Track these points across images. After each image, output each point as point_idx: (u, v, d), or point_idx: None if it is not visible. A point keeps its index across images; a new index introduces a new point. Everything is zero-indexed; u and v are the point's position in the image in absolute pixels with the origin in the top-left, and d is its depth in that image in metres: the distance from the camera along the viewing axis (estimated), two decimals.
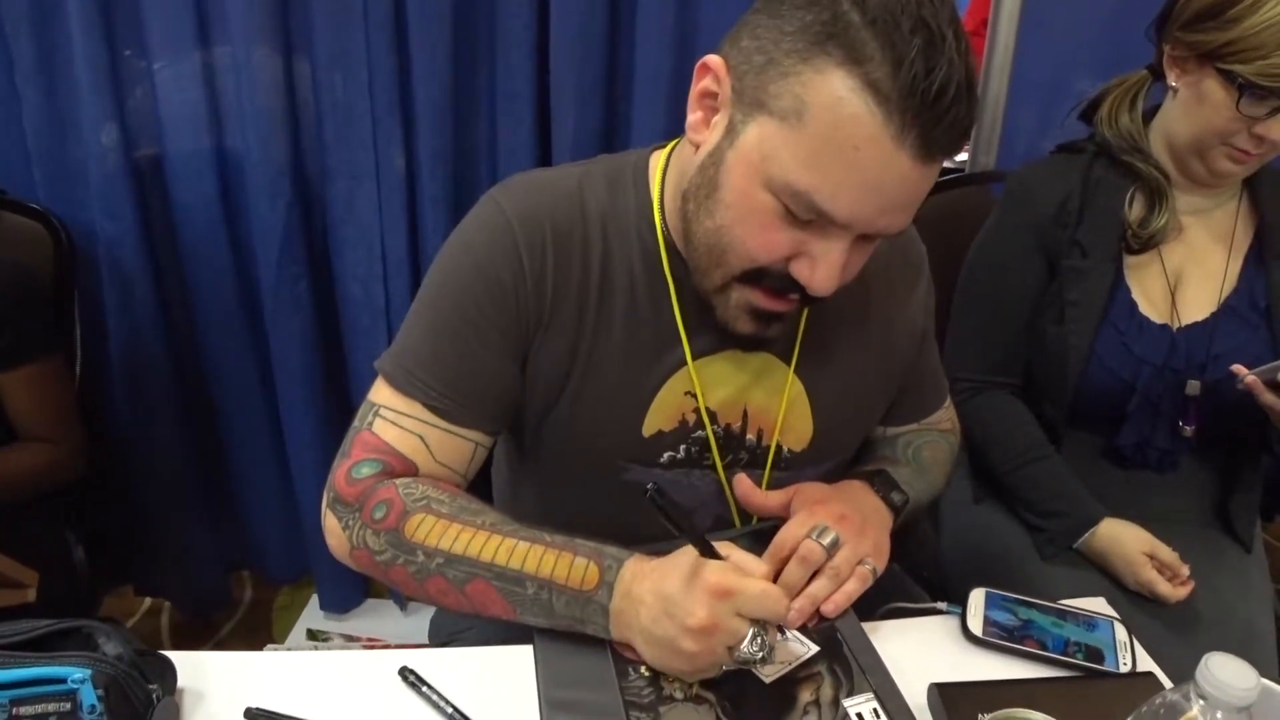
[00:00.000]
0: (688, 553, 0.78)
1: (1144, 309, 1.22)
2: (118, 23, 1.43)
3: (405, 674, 0.81)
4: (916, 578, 1.12)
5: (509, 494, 1.10)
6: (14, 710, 0.67)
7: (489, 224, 0.89)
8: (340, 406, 1.70)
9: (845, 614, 0.86)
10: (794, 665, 0.82)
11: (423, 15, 1.42)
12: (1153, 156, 1.22)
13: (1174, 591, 1.14)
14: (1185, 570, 1.16)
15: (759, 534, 0.95)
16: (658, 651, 0.77)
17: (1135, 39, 1.26)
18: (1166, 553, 1.16)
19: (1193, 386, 1.20)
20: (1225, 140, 1.12)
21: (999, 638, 0.88)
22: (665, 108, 1.49)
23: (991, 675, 0.84)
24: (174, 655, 0.79)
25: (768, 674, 0.81)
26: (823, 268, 0.77)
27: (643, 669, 0.80)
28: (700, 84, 0.81)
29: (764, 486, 0.98)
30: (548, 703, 0.78)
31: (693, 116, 0.82)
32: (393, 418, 0.90)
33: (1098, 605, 0.95)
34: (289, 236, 1.54)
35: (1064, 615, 0.92)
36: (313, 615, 1.92)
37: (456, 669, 0.83)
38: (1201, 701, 0.58)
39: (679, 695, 0.78)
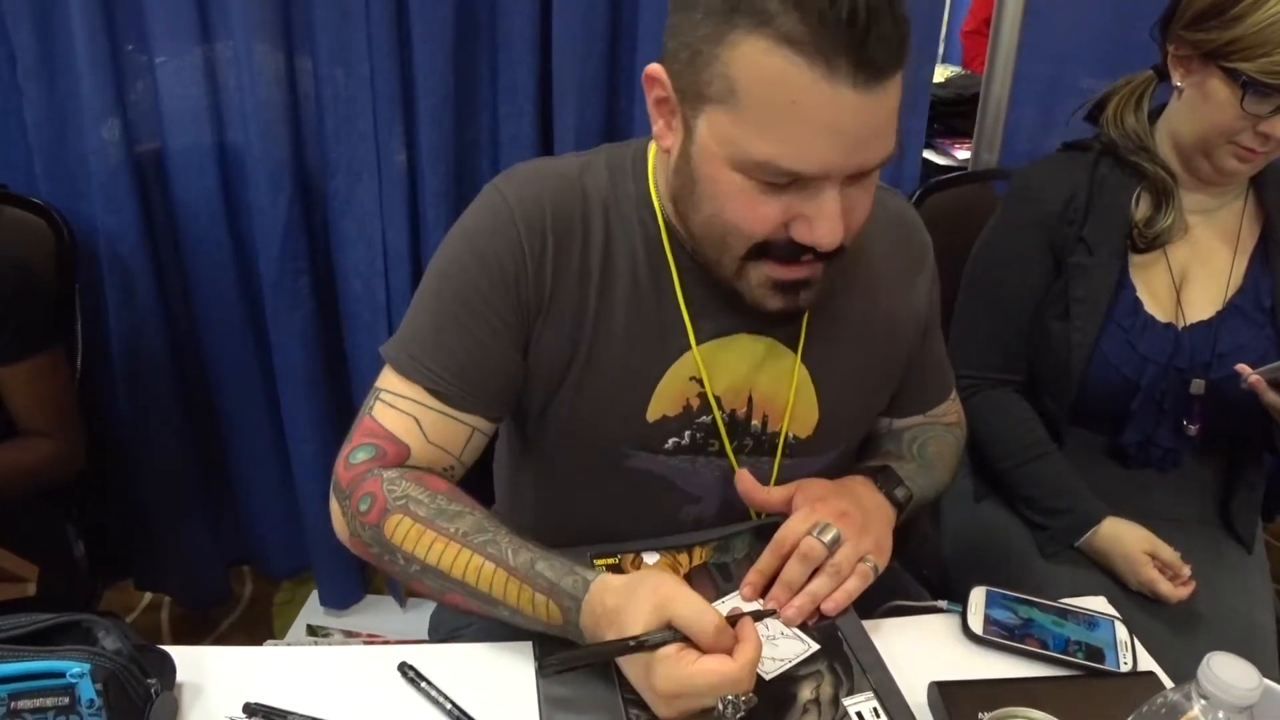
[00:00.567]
0: (643, 601, 0.74)
1: (1149, 307, 1.22)
2: (119, 17, 1.43)
3: (404, 670, 0.81)
4: (917, 576, 1.12)
5: (509, 485, 1.10)
6: (13, 704, 0.67)
7: (491, 210, 0.90)
8: (341, 401, 1.70)
9: (846, 612, 0.86)
10: (794, 663, 0.82)
11: (424, 10, 1.41)
12: (1159, 156, 1.22)
13: (1175, 591, 1.14)
14: (1186, 570, 1.16)
15: (761, 530, 0.94)
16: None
17: (1137, 37, 1.26)
18: (1168, 552, 1.16)
19: (1197, 385, 1.20)
20: (1231, 139, 1.13)
21: (1000, 636, 0.88)
22: None
23: (992, 674, 0.84)
24: (173, 650, 0.79)
25: (768, 671, 0.81)
26: (820, 224, 0.77)
27: None
28: (651, 94, 0.83)
29: (774, 473, 0.98)
30: (547, 700, 0.78)
31: (655, 126, 0.85)
32: (391, 400, 0.90)
33: (1099, 604, 0.95)
34: (290, 231, 1.54)
35: (1065, 614, 0.91)
36: (313, 611, 1.92)
37: (456, 665, 0.83)
38: (1203, 701, 0.58)
39: None
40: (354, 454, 0.89)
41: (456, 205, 1.54)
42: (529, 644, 0.84)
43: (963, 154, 2.22)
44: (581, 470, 0.98)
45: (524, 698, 0.80)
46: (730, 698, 0.71)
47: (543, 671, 0.78)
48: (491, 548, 0.81)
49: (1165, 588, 1.14)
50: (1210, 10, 1.10)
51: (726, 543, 0.95)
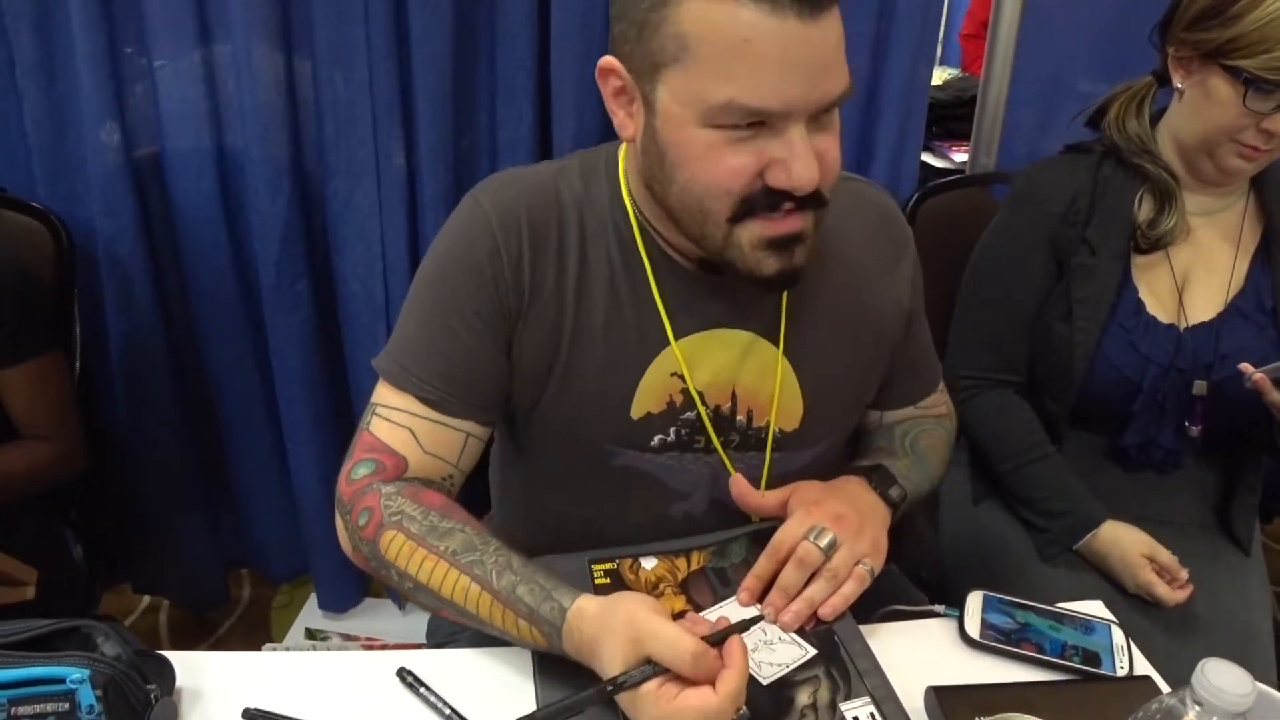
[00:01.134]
0: (621, 629, 0.73)
1: (1151, 309, 1.22)
2: (118, 20, 1.43)
3: (403, 675, 0.82)
4: (914, 579, 1.13)
5: (501, 488, 1.12)
6: (12, 710, 0.67)
7: (468, 219, 0.92)
8: (340, 404, 1.71)
9: (843, 616, 0.86)
10: (791, 668, 0.82)
11: (423, 13, 1.42)
12: (1161, 158, 1.22)
13: (1173, 595, 1.15)
14: (1184, 574, 1.16)
15: (756, 535, 0.95)
16: None
17: (1134, 40, 1.26)
18: (1166, 556, 1.16)
19: (1199, 386, 1.21)
20: (1234, 137, 1.13)
21: (996, 641, 0.88)
22: None
23: (989, 678, 0.85)
24: (172, 655, 0.79)
25: (765, 676, 0.81)
26: (794, 164, 0.77)
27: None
28: (607, 87, 0.85)
29: (765, 468, 0.98)
30: (545, 704, 0.78)
31: (616, 119, 0.86)
32: (386, 414, 0.92)
33: (1095, 609, 0.95)
34: (289, 234, 1.54)
35: (1061, 618, 0.92)
36: (311, 614, 1.92)
37: (454, 670, 0.83)
38: (1198, 707, 0.58)
39: None
40: (355, 469, 0.91)
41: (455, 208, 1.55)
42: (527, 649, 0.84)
43: (960, 157, 2.22)
44: (571, 470, 0.99)
45: (522, 702, 0.80)
46: None
47: None
48: (478, 569, 0.81)
49: (1163, 591, 1.15)
50: (1209, 10, 1.10)
51: (724, 547, 0.95)
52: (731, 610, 0.87)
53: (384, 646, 1.80)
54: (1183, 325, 1.22)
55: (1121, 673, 0.86)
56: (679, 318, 0.93)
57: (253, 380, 1.70)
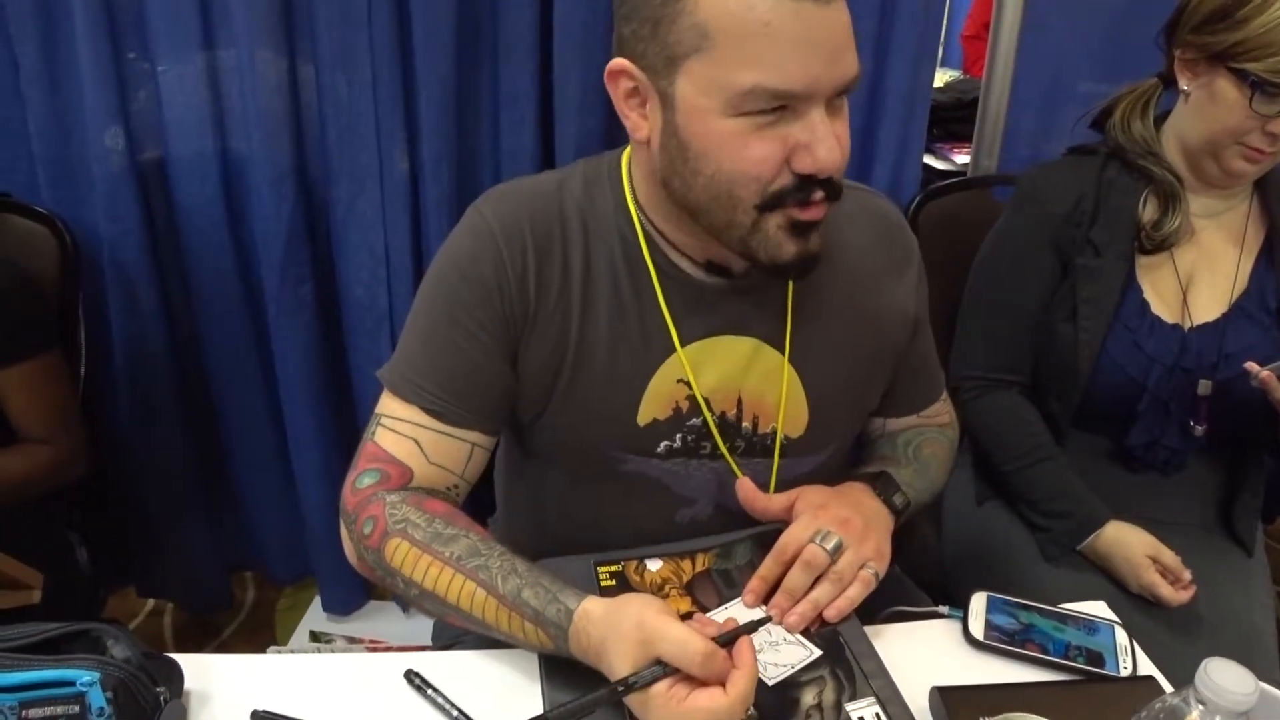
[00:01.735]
0: (629, 635, 0.73)
1: (1156, 309, 1.23)
2: (121, 25, 1.44)
3: (410, 677, 0.82)
4: (918, 581, 1.13)
5: (507, 493, 1.12)
6: (23, 712, 0.68)
7: (472, 231, 0.93)
8: (342, 408, 1.71)
9: (848, 618, 0.86)
10: (797, 669, 0.82)
11: (426, 18, 1.42)
12: (1166, 160, 1.23)
13: (1176, 595, 1.15)
14: (1187, 574, 1.16)
15: (761, 537, 0.95)
16: None
17: (1135, 43, 1.27)
18: (1169, 556, 1.17)
19: (1204, 386, 1.21)
20: (1239, 139, 1.14)
21: (1000, 641, 0.88)
22: None
23: (992, 679, 0.85)
24: (180, 658, 0.80)
25: (771, 677, 0.81)
26: (820, 147, 0.78)
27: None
28: (618, 90, 0.85)
29: (773, 474, 0.98)
30: (553, 705, 0.78)
31: (628, 122, 0.86)
32: (391, 424, 0.92)
33: (1099, 609, 0.95)
34: (292, 239, 1.54)
35: (1065, 619, 0.92)
36: (315, 617, 1.92)
37: (461, 672, 0.84)
38: (1201, 706, 0.58)
39: None
40: (359, 479, 0.91)
41: (458, 213, 1.52)
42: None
43: (962, 159, 2.22)
44: (577, 477, 1.00)
45: (529, 703, 0.80)
46: None
47: None
48: (483, 573, 0.82)
49: (1166, 591, 1.15)
50: (1217, 13, 1.11)
51: (729, 549, 0.95)
52: (737, 611, 0.88)
53: (388, 649, 1.80)
54: (1187, 325, 1.22)
55: (1125, 673, 0.86)
56: (684, 325, 0.93)
57: (256, 384, 1.70)
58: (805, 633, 0.86)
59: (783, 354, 0.96)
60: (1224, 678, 0.57)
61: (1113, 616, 0.94)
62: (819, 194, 0.81)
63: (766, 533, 0.94)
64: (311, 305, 1.61)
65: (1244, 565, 1.28)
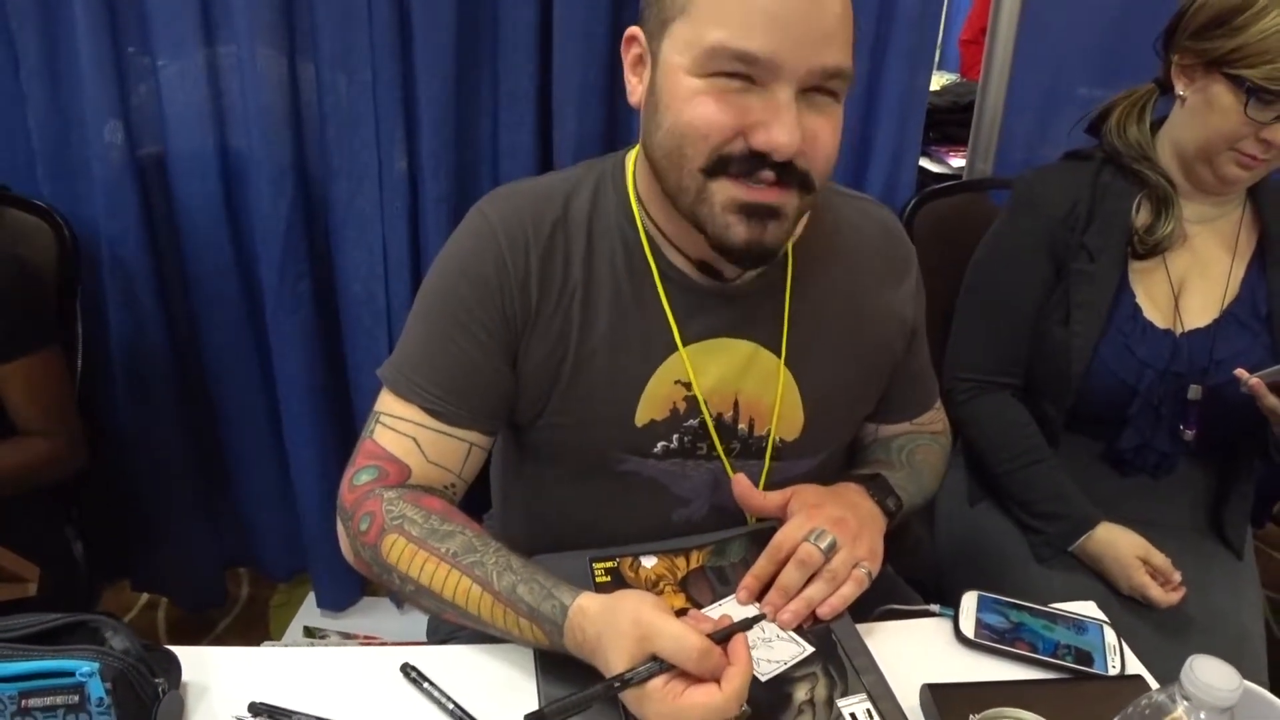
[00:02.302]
0: (625, 632, 0.74)
1: (1148, 314, 1.24)
2: (123, 20, 1.44)
3: (407, 670, 0.83)
4: (910, 580, 1.14)
5: (503, 491, 1.12)
6: (23, 702, 0.68)
7: (475, 232, 0.94)
8: (340, 405, 1.71)
9: (840, 615, 0.87)
10: (789, 665, 0.83)
11: (426, 17, 1.43)
12: (1160, 165, 1.24)
13: (1166, 596, 1.16)
14: (1177, 576, 1.17)
15: (755, 535, 0.96)
16: None
17: (1131, 47, 1.28)
18: (1159, 558, 1.18)
19: (1194, 391, 1.22)
20: (1233, 145, 1.15)
21: (990, 640, 0.89)
22: None
23: (983, 677, 0.86)
24: (178, 650, 0.80)
25: (764, 673, 0.82)
26: (775, 125, 0.78)
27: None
28: (629, 57, 0.88)
29: (763, 477, 0.99)
30: (548, 699, 0.79)
31: (629, 87, 0.89)
32: (390, 423, 0.93)
33: (1089, 609, 0.96)
34: (291, 236, 1.55)
35: (1054, 618, 0.93)
36: (309, 612, 1.92)
37: (458, 666, 0.84)
38: (1186, 702, 0.59)
39: None
40: (357, 476, 0.92)
41: (457, 211, 1.55)
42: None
43: (958, 161, 2.23)
44: (574, 476, 1.00)
45: (524, 698, 0.81)
46: None
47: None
48: (479, 570, 0.82)
49: (1156, 593, 1.16)
50: (1215, 20, 1.13)
51: (723, 546, 0.96)
52: (731, 608, 0.88)
53: (382, 644, 1.80)
54: (1179, 330, 1.23)
55: (1113, 672, 0.87)
56: (683, 326, 0.94)
57: (253, 380, 1.71)
58: (798, 630, 0.86)
59: (779, 358, 0.97)
60: (1209, 674, 0.58)
61: (1102, 616, 0.95)
62: (767, 174, 0.80)
63: (760, 531, 0.95)
64: (310, 302, 1.61)
65: (1234, 568, 1.29)
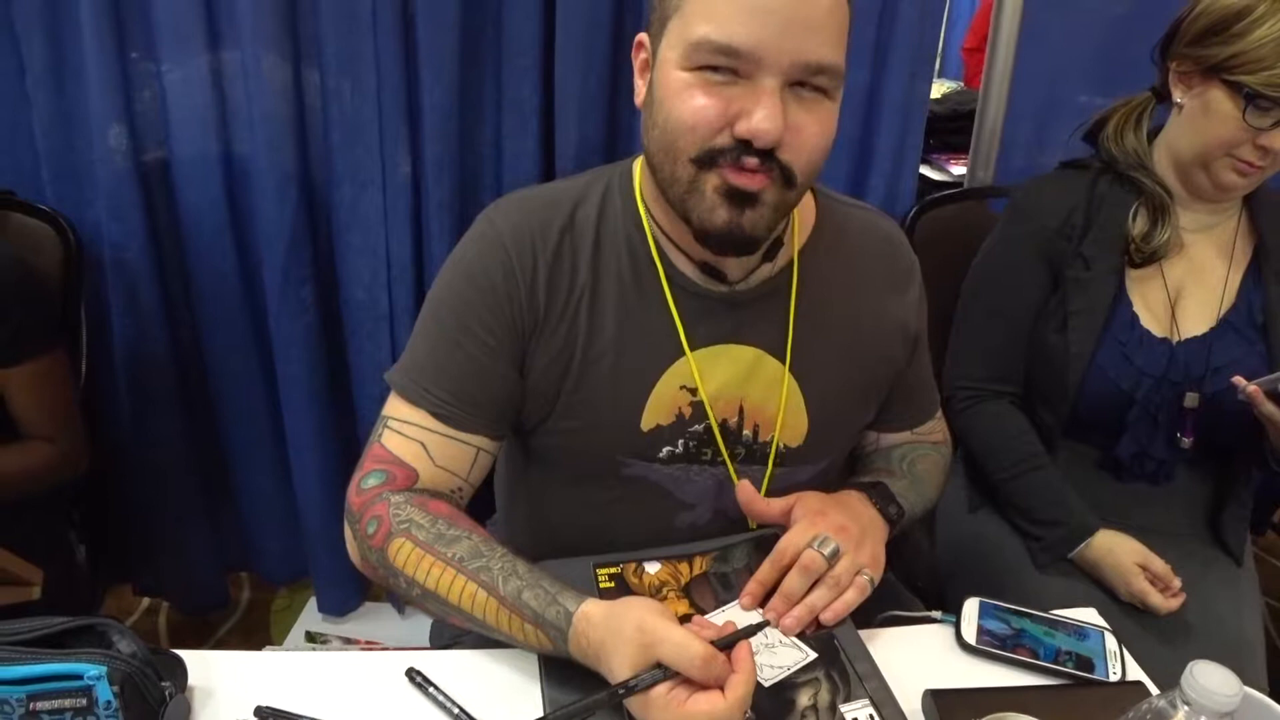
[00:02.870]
0: (630, 639, 0.74)
1: (1145, 322, 1.24)
2: (127, 25, 1.44)
3: (412, 675, 0.83)
4: (911, 587, 1.14)
5: (508, 495, 1.13)
6: (31, 705, 0.69)
7: (483, 239, 0.94)
8: (342, 409, 1.72)
9: (843, 622, 0.88)
10: (792, 671, 0.83)
11: (430, 24, 1.43)
12: (1156, 173, 1.24)
13: (1165, 603, 1.17)
14: (1177, 582, 1.18)
15: (759, 541, 0.96)
16: None
17: (1130, 56, 1.29)
18: (1159, 564, 1.18)
19: (1191, 399, 1.23)
20: (1230, 151, 1.16)
21: (992, 646, 0.90)
22: None
23: (984, 683, 0.86)
24: (184, 654, 0.81)
25: (767, 679, 0.82)
26: (758, 112, 0.79)
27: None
28: (638, 61, 0.89)
29: (765, 483, 0.99)
30: (552, 705, 0.79)
31: (636, 90, 0.90)
32: (398, 427, 0.93)
33: (1089, 615, 0.97)
34: (295, 241, 1.55)
35: (1056, 625, 0.93)
36: (311, 617, 1.93)
37: (462, 670, 0.85)
38: (1186, 708, 0.60)
39: None
40: (365, 480, 0.92)
41: (460, 217, 1.56)
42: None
43: (959, 169, 2.23)
44: (580, 480, 1.01)
45: (529, 703, 0.81)
46: None
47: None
48: (484, 574, 0.83)
49: (1156, 599, 1.17)
50: (1214, 27, 1.13)
51: (726, 552, 0.96)
52: (734, 614, 0.89)
53: (384, 649, 1.81)
54: (1175, 339, 1.24)
55: (1114, 678, 0.88)
56: (691, 331, 0.94)
57: (256, 384, 1.71)
58: (801, 636, 0.87)
59: (784, 364, 0.97)
60: (1209, 679, 0.59)
61: (1103, 623, 0.95)
62: (752, 160, 0.81)
63: (764, 537, 0.96)
64: (313, 307, 1.62)
65: (1233, 574, 1.29)
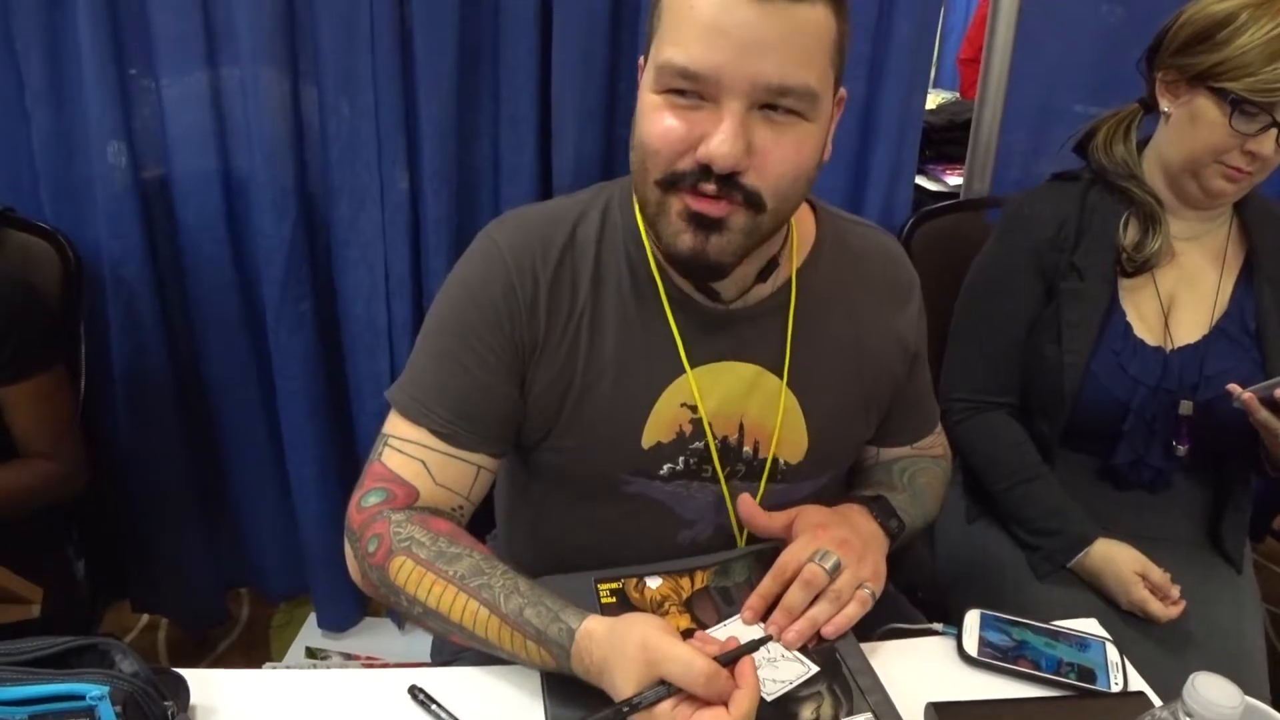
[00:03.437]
0: (633, 646, 0.75)
1: (1138, 331, 1.25)
2: (126, 42, 1.45)
3: (414, 692, 0.83)
4: (912, 599, 1.14)
5: (508, 512, 1.13)
6: None
7: (484, 256, 0.95)
8: (341, 425, 1.72)
9: (845, 635, 0.88)
10: (795, 684, 0.83)
11: (428, 41, 1.44)
12: (1146, 183, 1.25)
13: (1165, 611, 1.17)
14: (1176, 590, 1.18)
15: (760, 555, 0.97)
16: None
17: (1125, 67, 1.30)
18: (1158, 573, 1.18)
19: (1186, 407, 1.23)
20: (1219, 158, 1.17)
21: (994, 658, 0.90)
22: None
23: (986, 695, 0.86)
24: (185, 673, 0.80)
25: (769, 693, 0.82)
26: (715, 137, 0.78)
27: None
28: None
29: (759, 499, 1.00)
30: None
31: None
32: (399, 445, 0.93)
33: (1090, 626, 0.97)
34: (293, 256, 1.55)
35: (1057, 636, 0.93)
36: (311, 633, 1.92)
37: (464, 687, 0.85)
38: (1188, 719, 0.60)
39: None
40: (365, 498, 0.92)
41: (458, 232, 1.56)
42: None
43: (955, 179, 2.25)
44: (580, 497, 1.01)
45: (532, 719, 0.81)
46: None
47: None
48: (486, 592, 0.83)
49: (1156, 608, 1.17)
50: (1198, 36, 1.15)
51: (727, 567, 0.97)
52: (736, 628, 0.89)
53: (385, 665, 1.80)
54: (1169, 347, 1.24)
55: (1116, 689, 0.87)
56: (691, 349, 0.95)
57: (255, 400, 1.71)
58: (803, 649, 0.87)
59: (782, 380, 0.97)
60: (1211, 691, 0.59)
61: (1104, 633, 0.95)
62: (708, 186, 0.80)
63: (764, 551, 0.96)
64: (311, 322, 1.62)
65: (1233, 582, 1.29)
